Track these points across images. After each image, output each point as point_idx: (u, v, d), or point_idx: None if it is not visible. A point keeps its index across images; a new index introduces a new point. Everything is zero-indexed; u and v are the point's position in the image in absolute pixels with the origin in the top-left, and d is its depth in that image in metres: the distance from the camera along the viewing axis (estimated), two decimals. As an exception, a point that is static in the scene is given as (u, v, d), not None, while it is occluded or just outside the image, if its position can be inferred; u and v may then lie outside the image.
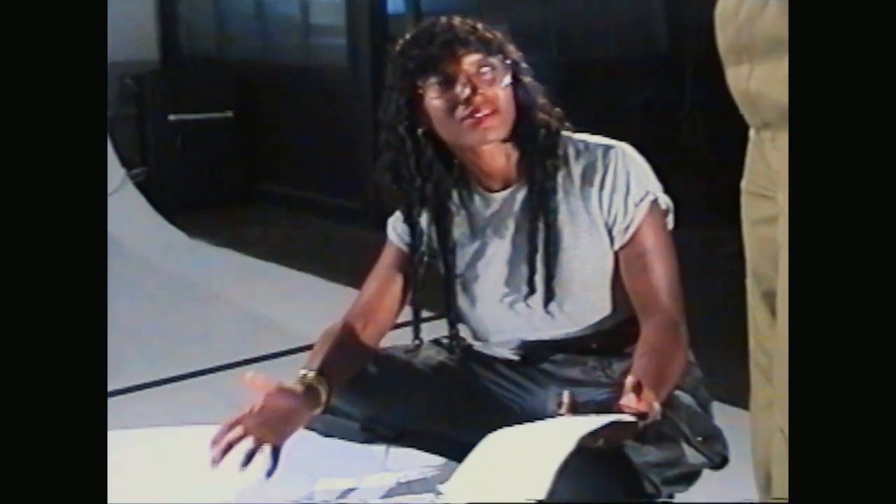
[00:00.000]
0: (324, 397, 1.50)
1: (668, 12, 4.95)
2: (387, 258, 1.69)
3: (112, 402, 2.70)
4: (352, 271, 3.63)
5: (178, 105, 4.75)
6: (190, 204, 4.59)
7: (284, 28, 4.94)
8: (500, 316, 1.62)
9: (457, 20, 1.54)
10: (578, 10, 4.76)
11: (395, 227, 1.68)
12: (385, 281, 1.67)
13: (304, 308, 3.42)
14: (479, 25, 1.55)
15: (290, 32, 4.89)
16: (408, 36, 1.55)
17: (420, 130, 1.55)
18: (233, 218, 4.61)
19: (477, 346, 1.69)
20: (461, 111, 1.50)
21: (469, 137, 1.53)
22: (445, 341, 1.71)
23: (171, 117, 4.72)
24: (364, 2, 4.33)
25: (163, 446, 1.63)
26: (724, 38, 1.32)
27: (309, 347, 2.99)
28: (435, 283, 1.66)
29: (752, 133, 1.39)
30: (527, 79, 1.55)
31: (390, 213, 1.70)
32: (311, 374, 1.52)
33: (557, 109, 1.58)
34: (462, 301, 1.64)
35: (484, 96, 1.49)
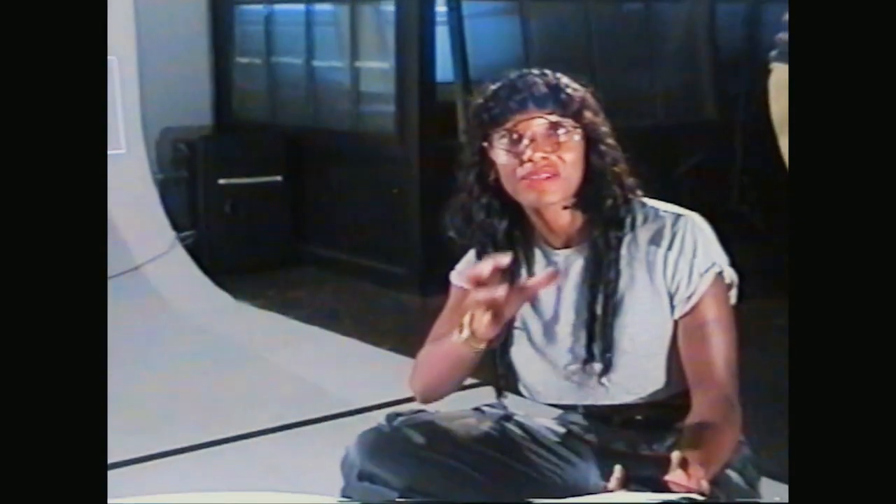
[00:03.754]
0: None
1: (717, 81, 4.94)
2: (453, 301, 1.66)
3: (152, 465, 2.71)
4: (396, 337, 3.64)
5: (229, 169, 4.83)
6: (237, 266, 4.63)
7: (334, 95, 5.02)
8: (553, 377, 1.60)
9: (545, 76, 1.54)
10: (624, 77, 4.79)
11: (461, 271, 1.66)
12: (455, 323, 1.61)
13: (347, 373, 3.40)
14: (563, 82, 1.54)
15: (340, 99, 4.97)
16: (493, 87, 1.56)
17: (491, 178, 1.55)
18: (279, 281, 4.63)
19: (519, 416, 1.66)
20: (521, 170, 1.50)
21: (525, 196, 1.53)
22: (487, 409, 1.69)
23: (221, 181, 4.79)
24: (413, 70, 4.39)
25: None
26: (777, 108, 1.30)
27: (352, 413, 2.96)
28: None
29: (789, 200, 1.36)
30: (604, 144, 1.54)
31: (449, 267, 1.68)
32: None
33: (632, 179, 1.56)
34: (516, 356, 1.62)
35: (546, 160, 1.49)
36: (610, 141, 1.55)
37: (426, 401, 1.65)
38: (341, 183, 4.81)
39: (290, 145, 4.94)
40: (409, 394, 2.68)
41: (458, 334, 1.48)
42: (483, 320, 1.43)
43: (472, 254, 1.63)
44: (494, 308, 1.42)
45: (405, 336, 3.63)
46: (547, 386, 1.61)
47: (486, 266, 1.40)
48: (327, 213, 4.90)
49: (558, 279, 1.45)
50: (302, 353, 3.66)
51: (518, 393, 1.67)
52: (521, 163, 1.49)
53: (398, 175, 4.46)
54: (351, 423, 2.68)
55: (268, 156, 4.91)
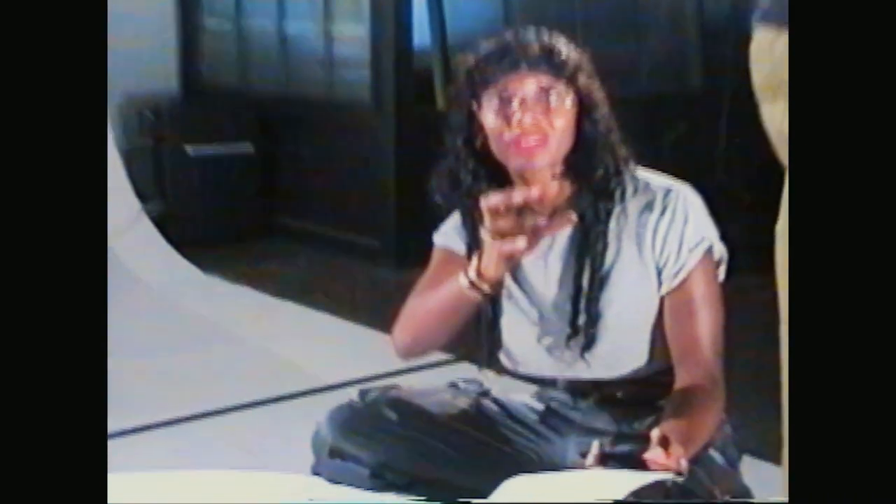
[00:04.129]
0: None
1: (704, 49, 4.90)
2: (437, 260, 1.62)
3: (122, 442, 2.66)
4: (370, 311, 3.59)
5: (197, 137, 4.73)
6: (206, 238, 4.55)
7: (307, 61, 4.94)
8: (535, 349, 1.56)
9: (541, 38, 1.49)
10: (608, 45, 4.73)
11: (445, 232, 1.62)
12: (439, 281, 1.56)
13: (320, 347, 3.36)
14: (559, 46, 1.49)
15: (314, 66, 4.89)
16: (486, 47, 1.50)
17: (478, 143, 1.51)
18: (249, 253, 4.57)
19: (496, 392, 1.63)
20: (509, 133, 1.45)
21: (513, 161, 1.48)
22: (462, 385, 1.66)
23: (189, 150, 4.70)
24: (389, 36, 4.32)
25: (174, 490, 1.57)
26: (758, 74, 1.26)
27: (325, 389, 2.93)
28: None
29: (788, 175, 1.32)
30: (597, 113, 1.49)
31: (425, 239, 1.64)
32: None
33: (624, 149, 1.51)
34: (503, 324, 1.58)
35: (535, 123, 1.44)
36: (604, 109, 1.50)
37: (410, 355, 1.61)
38: (314, 152, 4.74)
39: (261, 113, 4.86)
40: (383, 370, 2.66)
41: (462, 277, 1.44)
42: (505, 249, 1.36)
43: (457, 216, 1.59)
44: (521, 233, 1.35)
45: (379, 310, 3.59)
46: (527, 357, 1.58)
47: (519, 195, 1.35)
48: (300, 183, 4.83)
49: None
50: (273, 327, 3.61)
51: (499, 366, 1.63)
52: (510, 126, 1.45)
53: (373, 145, 4.40)
54: (323, 400, 2.64)
55: (238, 123, 4.83)
